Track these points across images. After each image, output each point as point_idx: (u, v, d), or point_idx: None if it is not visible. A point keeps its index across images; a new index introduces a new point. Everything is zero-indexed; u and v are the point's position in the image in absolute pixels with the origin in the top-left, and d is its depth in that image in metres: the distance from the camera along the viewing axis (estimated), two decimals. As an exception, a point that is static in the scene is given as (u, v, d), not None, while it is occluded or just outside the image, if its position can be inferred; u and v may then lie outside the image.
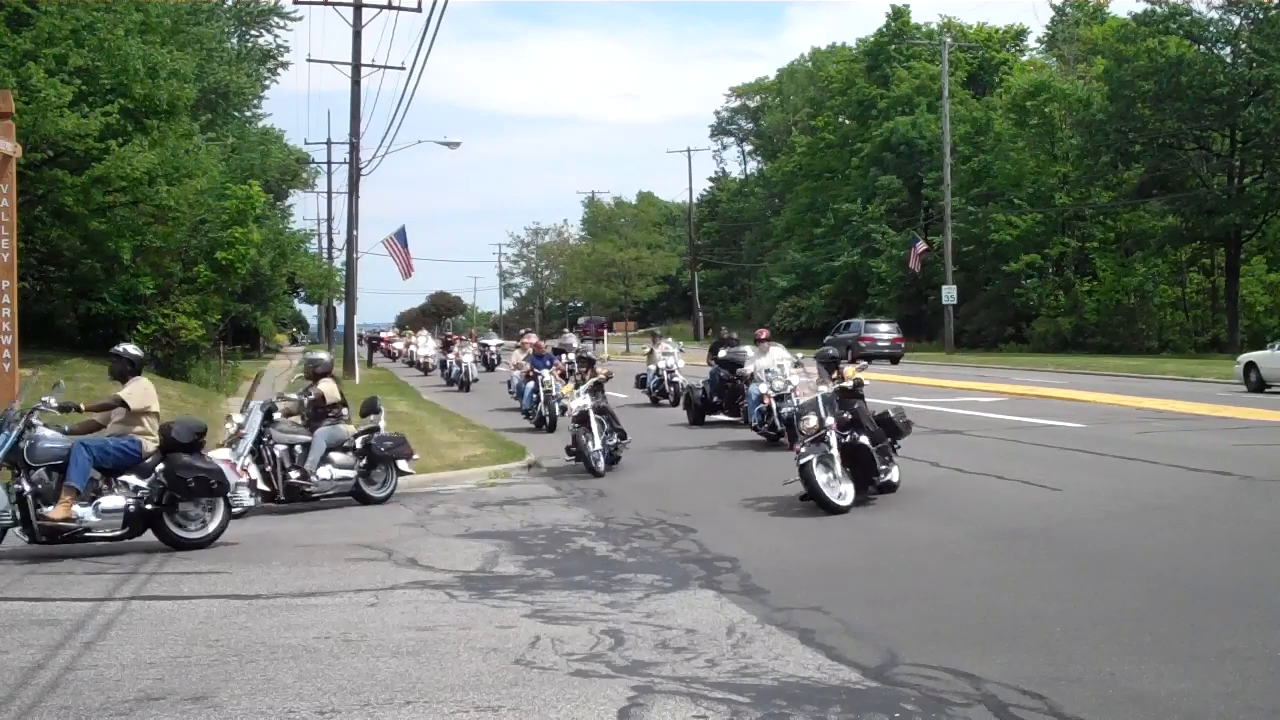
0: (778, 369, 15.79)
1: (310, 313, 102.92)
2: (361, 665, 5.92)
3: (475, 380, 31.33)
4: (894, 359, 40.06)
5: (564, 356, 26.54)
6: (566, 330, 43.55)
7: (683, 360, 24.11)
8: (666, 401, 22.92)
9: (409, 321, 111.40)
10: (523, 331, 38.47)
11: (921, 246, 50.21)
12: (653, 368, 23.86)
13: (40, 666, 5.97)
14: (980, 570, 8.11)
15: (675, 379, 23.09)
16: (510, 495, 12.18)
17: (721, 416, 18.84)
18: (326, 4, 33.71)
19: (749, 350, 18.55)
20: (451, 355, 34.29)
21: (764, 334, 18.30)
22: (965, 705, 5.17)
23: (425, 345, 43.31)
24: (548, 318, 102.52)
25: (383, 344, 66.78)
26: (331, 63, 37.37)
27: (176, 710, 5.28)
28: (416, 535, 9.89)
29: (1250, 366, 25.12)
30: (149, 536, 9.36)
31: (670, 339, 26.84)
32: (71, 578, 8.27)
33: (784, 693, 5.37)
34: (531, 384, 20.35)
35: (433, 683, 5.61)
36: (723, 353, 19.56)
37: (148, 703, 5.38)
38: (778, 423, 15.41)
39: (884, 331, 42.02)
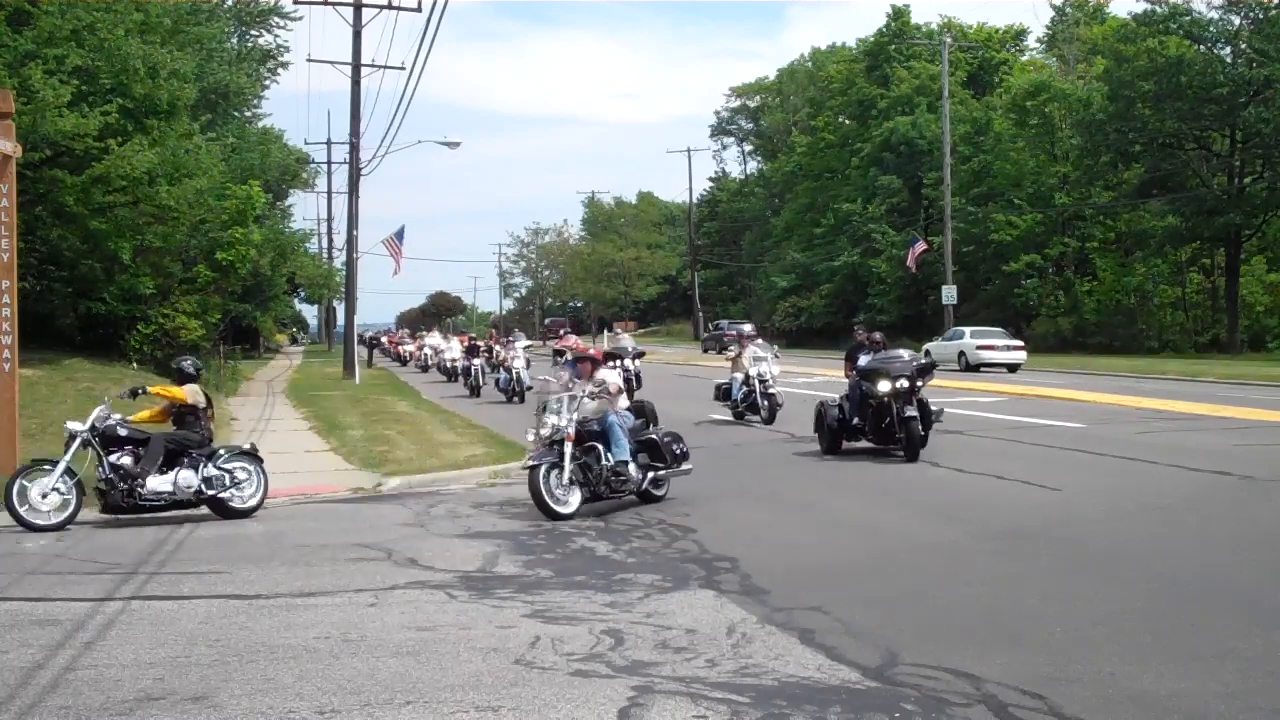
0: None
1: (310, 313, 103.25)
2: (361, 665, 5.92)
3: (529, 388, 25.39)
4: None
5: (620, 362, 22.52)
6: (619, 332, 34.63)
7: (778, 367, 20.05)
8: (757, 419, 18.91)
9: (408, 321, 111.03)
10: (562, 331, 33.46)
11: (921, 246, 50.21)
12: (739, 376, 19.71)
13: (40, 666, 5.97)
14: (980, 570, 8.11)
15: (771, 390, 19.09)
16: (510, 495, 12.16)
17: (864, 444, 14.91)
18: (326, 4, 33.77)
19: (906, 354, 15.48)
20: (478, 361, 30.05)
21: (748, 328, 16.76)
22: (965, 705, 5.17)
23: (453, 347, 36.29)
24: (548, 317, 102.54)
25: (389, 345, 62.07)
26: (331, 63, 37.46)
27: (176, 710, 5.28)
28: (416, 535, 9.87)
29: (926, 353, 34.10)
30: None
31: (763, 340, 22.06)
32: (72, 578, 8.27)
33: (784, 693, 5.37)
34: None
35: (433, 683, 5.61)
36: (863, 360, 15.62)
37: (148, 703, 5.38)
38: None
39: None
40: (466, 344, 34.16)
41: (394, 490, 12.76)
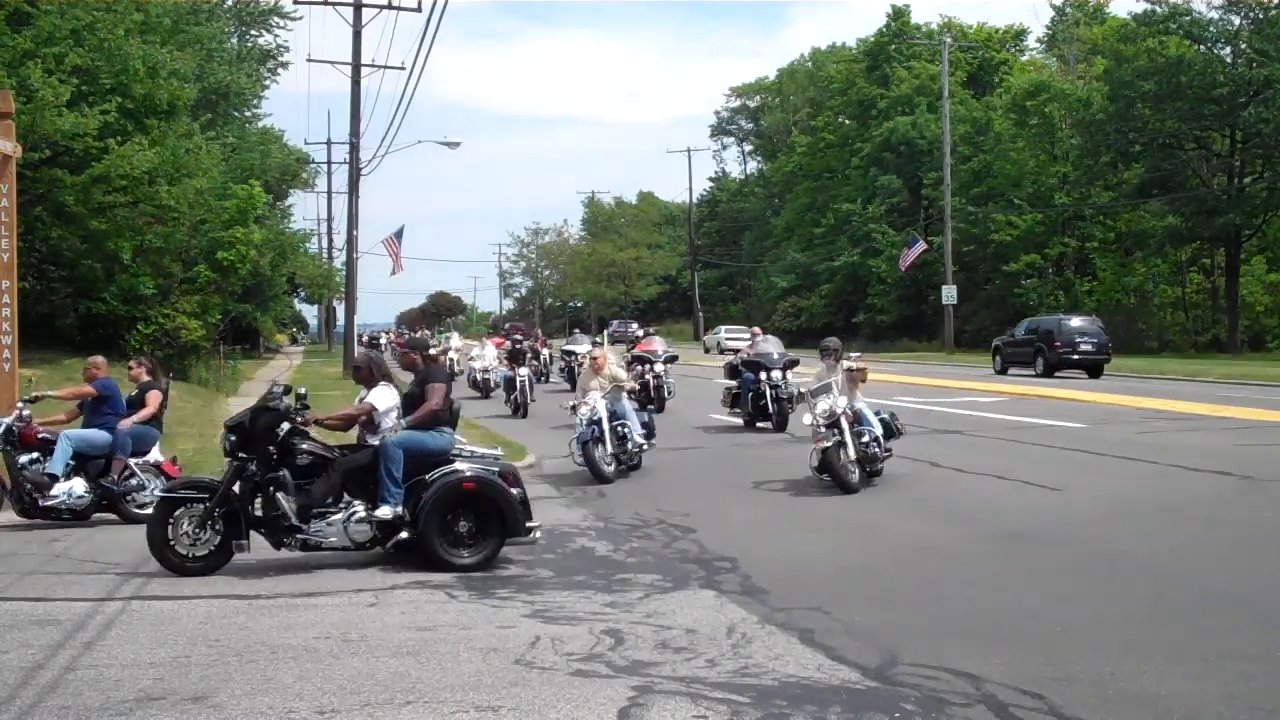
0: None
1: (310, 313, 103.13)
2: (361, 665, 5.92)
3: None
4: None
5: (766, 374, 17.21)
6: (760, 332, 20.63)
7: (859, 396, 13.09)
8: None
9: (410, 321, 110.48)
10: (635, 333, 27.91)
11: (919, 247, 50.12)
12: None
13: (40, 666, 5.97)
14: (980, 570, 8.11)
15: (866, 440, 11.81)
16: (510, 495, 12.14)
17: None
18: (326, 4, 33.75)
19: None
20: (525, 371, 22.40)
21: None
22: (965, 705, 5.16)
23: (486, 353, 28.02)
24: (547, 317, 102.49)
25: (399, 347, 59.26)
26: (331, 63, 37.40)
27: (176, 710, 5.28)
28: (416, 535, 9.85)
29: (717, 343, 52.74)
30: None
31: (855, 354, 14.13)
32: (72, 578, 8.27)
33: (784, 693, 5.37)
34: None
35: (433, 683, 5.61)
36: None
37: (148, 703, 5.38)
38: None
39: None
40: (505, 348, 25.68)
41: (394, 490, 12.71)
